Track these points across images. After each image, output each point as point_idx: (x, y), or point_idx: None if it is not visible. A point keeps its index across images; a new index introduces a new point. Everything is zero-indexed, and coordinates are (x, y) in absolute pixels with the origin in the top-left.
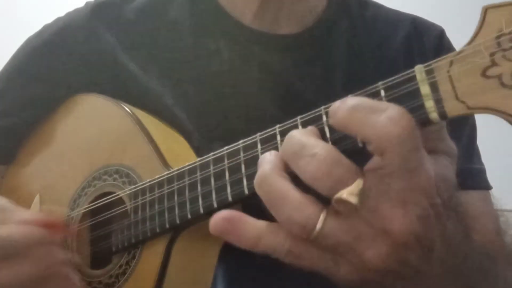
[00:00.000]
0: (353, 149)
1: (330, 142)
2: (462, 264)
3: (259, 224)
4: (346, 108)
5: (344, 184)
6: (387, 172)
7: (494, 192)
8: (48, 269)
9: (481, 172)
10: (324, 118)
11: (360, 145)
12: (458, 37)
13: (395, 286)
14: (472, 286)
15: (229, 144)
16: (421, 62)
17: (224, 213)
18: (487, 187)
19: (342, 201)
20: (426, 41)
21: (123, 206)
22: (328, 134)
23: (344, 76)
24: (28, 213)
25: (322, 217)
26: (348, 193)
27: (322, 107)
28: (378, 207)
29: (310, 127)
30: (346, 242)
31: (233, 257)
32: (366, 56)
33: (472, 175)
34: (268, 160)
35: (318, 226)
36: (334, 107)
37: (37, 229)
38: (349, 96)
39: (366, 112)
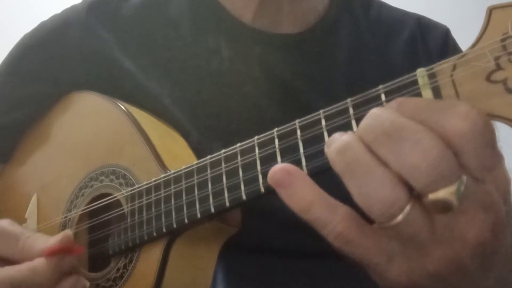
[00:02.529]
0: None
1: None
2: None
3: (318, 190)
4: (404, 109)
5: (447, 182)
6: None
7: None
8: None
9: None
10: (323, 122)
11: None
12: (465, 37)
13: None
14: None
15: (228, 145)
16: (426, 63)
17: (285, 165)
18: None
19: (440, 201)
20: (430, 41)
21: (120, 208)
22: (355, 129)
23: (345, 77)
24: (34, 241)
25: (411, 203)
26: (449, 193)
27: (321, 111)
28: (466, 210)
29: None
30: (422, 237)
31: (233, 257)
32: (369, 56)
33: None
34: (347, 134)
35: (406, 210)
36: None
37: (48, 264)
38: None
39: (430, 112)
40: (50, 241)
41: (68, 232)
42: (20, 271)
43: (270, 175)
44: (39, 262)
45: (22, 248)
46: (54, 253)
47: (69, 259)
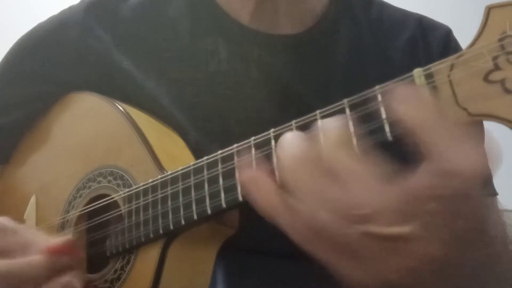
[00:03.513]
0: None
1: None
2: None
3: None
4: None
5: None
6: (437, 194)
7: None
8: None
9: (487, 179)
10: (320, 123)
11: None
12: (465, 36)
13: None
14: None
15: (226, 146)
16: (427, 63)
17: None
18: (493, 193)
19: (393, 235)
20: (431, 41)
21: (117, 209)
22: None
23: (345, 77)
24: (34, 237)
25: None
26: (401, 230)
27: (318, 112)
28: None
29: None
30: (358, 247)
31: (232, 258)
32: (369, 57)
33: None
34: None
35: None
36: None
37: (45, 261)
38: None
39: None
40: (52, 241)
41: (71, 239)
42: (16, 263)
43: (244, 174)
44: (37, 257)
45: (24, 241)
46: (52, 253)
47: (66, 259)
